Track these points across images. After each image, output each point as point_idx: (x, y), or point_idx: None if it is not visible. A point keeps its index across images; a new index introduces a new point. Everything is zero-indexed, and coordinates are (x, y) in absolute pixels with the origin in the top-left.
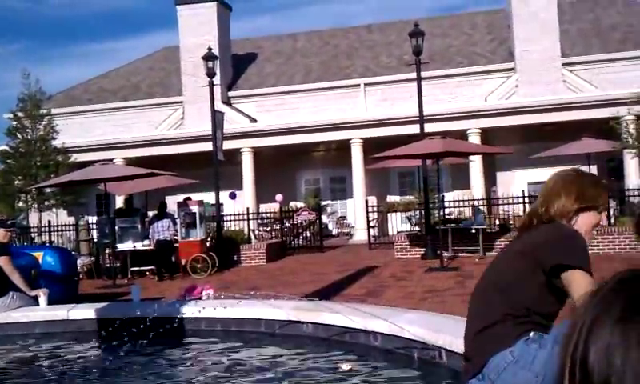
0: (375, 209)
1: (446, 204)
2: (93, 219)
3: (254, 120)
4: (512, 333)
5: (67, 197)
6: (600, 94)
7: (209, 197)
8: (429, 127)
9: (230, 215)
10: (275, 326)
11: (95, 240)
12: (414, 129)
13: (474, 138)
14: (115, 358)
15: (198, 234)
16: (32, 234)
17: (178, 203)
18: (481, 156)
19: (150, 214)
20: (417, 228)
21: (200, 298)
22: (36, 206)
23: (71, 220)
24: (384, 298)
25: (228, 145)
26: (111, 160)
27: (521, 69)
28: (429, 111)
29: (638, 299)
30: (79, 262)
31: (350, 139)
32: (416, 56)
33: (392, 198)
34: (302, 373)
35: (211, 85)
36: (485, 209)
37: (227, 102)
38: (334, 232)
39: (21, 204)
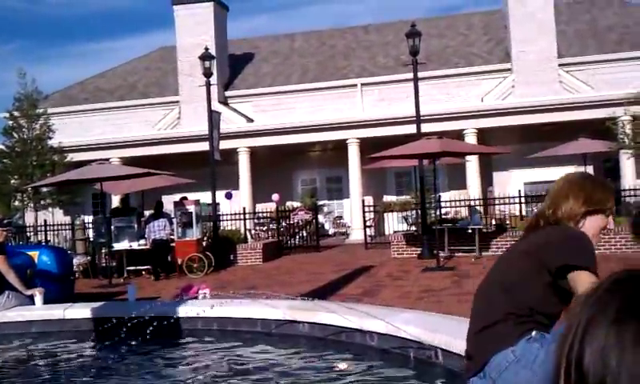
0: (372, 208)
1: (443, 204)
2: (89, 218)
3: (250, 120)
4: (514, 332)
5: (63, 196)
6: (596, 94)
7: (205, 196)
8: (425, 127)
9: (227, 215)
10: (271, 326)
11: (91, 239)
12: (411, 129)
13: (471, 138)
14: (111, 358)
15: (194, 233)
16: (28, 234)
17: (175, 203)
18: (477, 156)
19: (147, 213)
20: (413, 228)
21: (196, 298)
22: (32, 205)
23: (67, 219)
24: (380, 297)
25: (224, 144)
26: (107, 159)
27: (517, 69)
28: (425, 111)
29: (633, 300)
30: (75, 261)
31: (347, 139)
32: (413, 56)
33: (388, 198)
34: (298, 372)
35: (208, 85)
36: (481, 209)
37: (224, 101)
38: (331, 232)
39: (17, 203)
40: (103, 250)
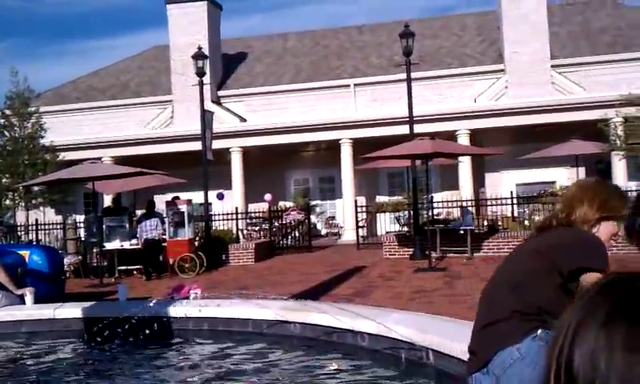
0: (364, 209)
1: (435, 205)
2: (80, 218)
3: (243, 119)
4: (519, 330)
5: (55, 195)
6: (589, 96)
7: (197, 196)
8: (418, 128)
9: (219, 215)
10: (263, 326)
11: (83, 239)
12: (404, 129)
13: (463, 139)
14: (101, 358)
15: (186, 233)
16: (19, 233)
17: (167, 202)
18: (470, 157)
19: (138, 212)
20: (405, 228)
21: (188, 298)
22: (23, 204)
23: (59, 218)
24: (372, 298)
25: (217, 144)
26: (99, 159)
27: (510, 70)
28: (418, 112)
29: (623, 303)
30: (66, 260)
31: (340, 139)
32: (406, 57)
33: (381, 199)
34: (290, 372)
35: (201, 84)
36: (473, 210)
37: (217, 101)
38: (323, 232)
39: (8, 202)
40: (94, 250)
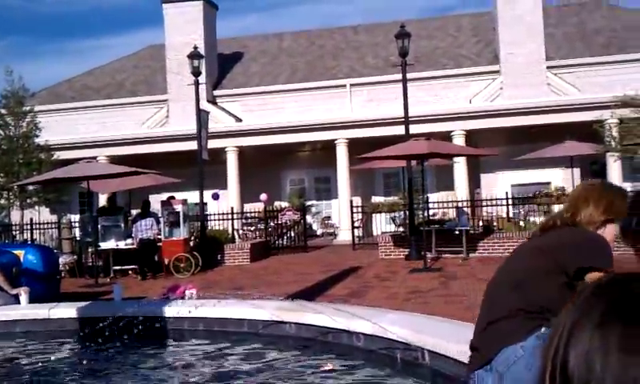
0: (360, 209)
1: (431, 205)
2: (75, 217)
3: (239, 119)
4: (523, 328)
5: (50, 194)
6: (584, 97)
7: (193, 196)
8: (414, 128)
9: (214, 214)
10: (258, 326)
11: (78, 238)
12: (399, 130)
13: (459, 140)
14: (96, 357)
15: (181, 233)
16: (14, 232)
17: (162, 202)
18: (465, 157)
19: (134, 212)
20: (401, 229)
21: (183, 298)
22: (18, 203)
23: (54, 218)
24: (367, 298)
25: (213, 144)
26: (95, 158)
27: (506, 71)
28: (414, 112)
29: (618, 304)
30: (61, 260)
31: (336, 139)
32: (402, 57)
33: (377, 199)
34: (285, 373)
35: (196, 83)
36: (468, 210)
37: (212, 100)
38: (319, 232)
39: (2, 201)
40: (90, 249)
